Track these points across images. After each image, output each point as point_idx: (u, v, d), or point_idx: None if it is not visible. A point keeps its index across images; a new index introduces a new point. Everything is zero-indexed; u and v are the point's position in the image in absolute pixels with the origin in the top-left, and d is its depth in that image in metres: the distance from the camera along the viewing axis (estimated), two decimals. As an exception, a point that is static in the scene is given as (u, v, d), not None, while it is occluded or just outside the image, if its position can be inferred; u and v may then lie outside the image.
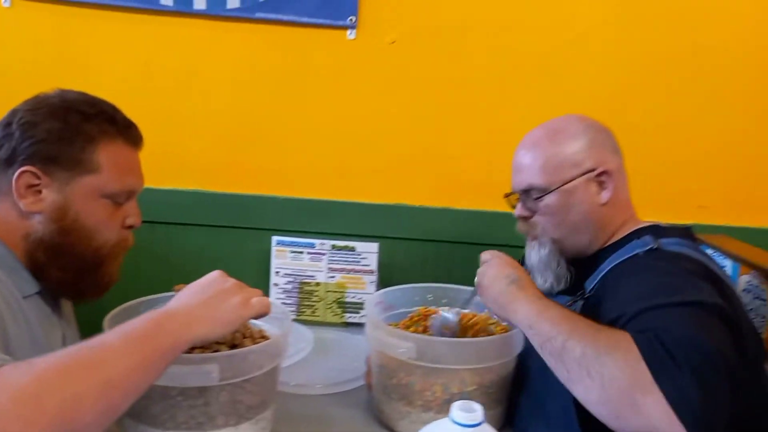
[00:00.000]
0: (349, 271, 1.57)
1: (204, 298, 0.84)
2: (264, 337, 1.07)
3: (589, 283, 1.07)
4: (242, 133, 1.57)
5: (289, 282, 1.57)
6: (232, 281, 0.88)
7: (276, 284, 1.57)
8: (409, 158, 1.60)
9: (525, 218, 1.17)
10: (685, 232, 1.12)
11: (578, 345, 0.82)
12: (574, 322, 0.87)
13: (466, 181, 1.59)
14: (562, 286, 1.15)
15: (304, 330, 1.45)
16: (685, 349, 0.76)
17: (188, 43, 1.53)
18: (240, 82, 1.55)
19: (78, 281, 0.98)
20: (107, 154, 0.96)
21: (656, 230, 1.09)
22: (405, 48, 1.54)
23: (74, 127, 0.94)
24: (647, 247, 1.02)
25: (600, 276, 1.05)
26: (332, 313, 1.58)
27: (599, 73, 1.58)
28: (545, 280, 1.14)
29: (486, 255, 1.07)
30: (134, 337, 0.75)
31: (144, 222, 1.56)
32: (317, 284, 1.57)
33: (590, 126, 1.15)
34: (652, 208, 1.59)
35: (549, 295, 1.14)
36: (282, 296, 1.58)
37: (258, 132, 1.57)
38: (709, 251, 1.52)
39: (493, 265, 1.03)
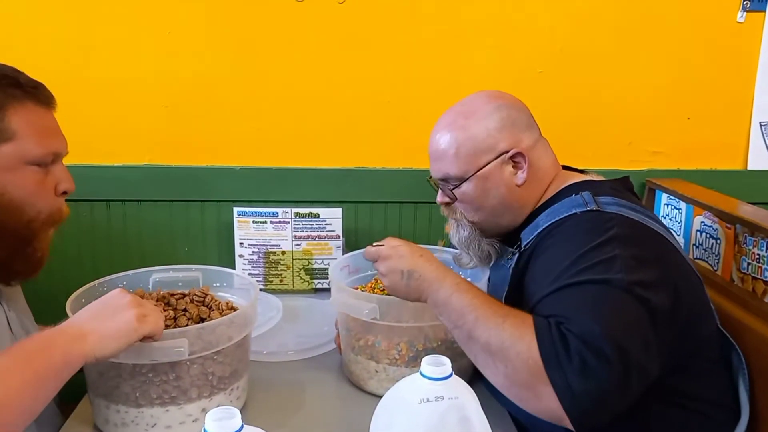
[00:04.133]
0: (314, 238, 1.56)
1: (96, 313, 0.83)
2: (232, 309, 1.07)
3: (526, 235, 1.08)
4: (193, 103, 1.53)
5: (254, 252, 1.56)
6: (129, 297, 0.86)
7: (241, 255, 1.56)
8: (366, 121, 1.58)
9: (446, 203, 1.17)
10: (622, 185, 1.13)
11: (483, 335, 0.89)
12: (478, 310, 0.91)
13: (424, 141, 1.58)
14: (488, 264, 1.17)
15: (273, 299, 1.45)
16: (578, 340, 0.83)
17: (129, 12, 1.47)
18: (187, 51, 1.50)
19: (11, 260, 0.93)
20: (19, 118, 0.90)
21: (593, 187, 1.08)
22: (356, 7, 1.51)
23: None
24: (587, 208, 1.01)
25: (537, 231, 1.06)
26: (301, 281, 1.58)
27: (547, 25, 1.57)
28: (470, 260, 1.16)
29: (369, 256, 1.05)
30: (25, 354, 0.76)
31: (97, 201, 1.56)
32: (283, 253, 1.56)
33: (501, 105, 1.12)
34: (609, 156, 1.64)
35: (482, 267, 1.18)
36: (248, 267, 1.57)
37: (210, 101, 1.53)
38: (665, 196, 1.56)
39: (382, 273, 1.02)
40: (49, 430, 0.99)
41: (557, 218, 1.04)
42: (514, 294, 1.06)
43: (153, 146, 1.54)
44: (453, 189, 1.12)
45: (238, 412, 0.60)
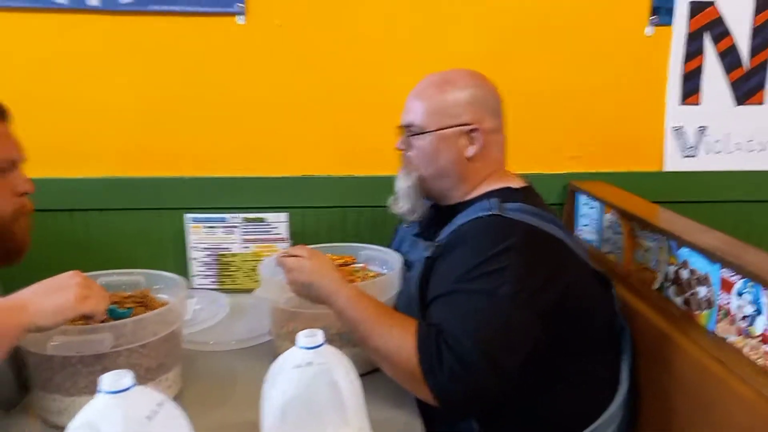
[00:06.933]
0: (262, 241, 1.69)
1: (43, 289, 0.92)
2: (166, 308, 1.17)
3: (443, 232, 1.21)
4: (149, 119, 1.67)
5: (207, 255, 1.69)
6: (78, 279, 0.95)
7: (195, 258, 1.69)
8: (308, 132, 1.72)
9: (402, 151, 1.30)
10: (530, 192, 1.26)
11: (372, 343, 1.08)
12: (367, 322, 1.08)
13: (362, 149, 1.72)
14: (416, 216, 1.31)
15: (221, 297, 1.59)
16: (450, 353, 1.00)
17: (87, 38, 1.61)
18: (140, 71, 1.65)
19: None
20: None
21: (505, 194, 1.21)
22: (293, 28, 1.65)
23: None
24: (489, 212, 1.15)
25: (451, 230, 1.19)
26: (251, 280, 1.70)
27: (470, 45, 1.71)
28: (403, 205, 1.30)
29: (278, 265, 1.19)
30: None
31: (61, 210, 1.69)
32: (234, 255, 1.69)
33: (479, 84, 1.27)
34: (532, 161, 1.77)
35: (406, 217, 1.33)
36: (202, 269, 1.70)
37: (164, 117, 1.67)
38: (583, 196, 1.70)
39: (288, 281, 1.16)
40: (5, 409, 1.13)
41: (466, 219, 1.18)
42: (424, 279, 1.19)
43: (112, 160, 1.68)
44: (412, 136, 1.26)
45: (130, 374, 0.72)
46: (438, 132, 1.23)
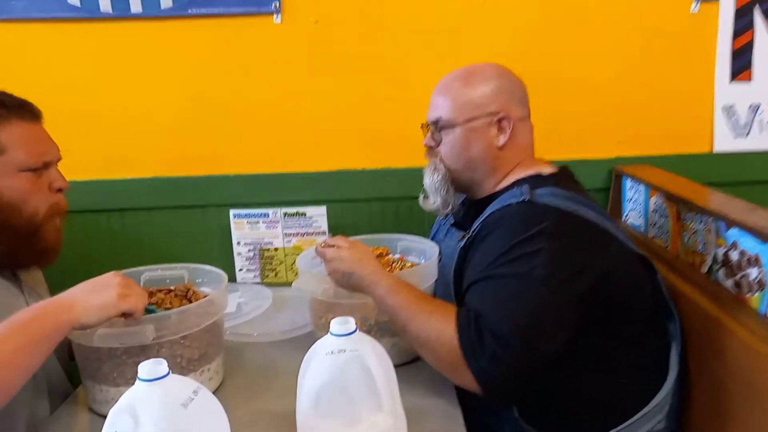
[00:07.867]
0: (303, 234, 1.72)
1: (88, 288, 0.97)
2: (209, 302, 1.20)
3: (475, 223, 1.20)
4: (192, 120, 1.72)
5: (251, 250, 1.73)
6: (118, 279, 1.00)
7: (239, 253, 1.73)
8: (345, 127, 1.73)
9: (431, 147, 1.30)
10: (562, 176, 1.23)
11: (413, 330, 1.08)
12: (407, 309, 1.09)
13: (398, 142, 1.72)
14: (448, 210, 1.30)
15: (264, 290, 1.62)
16: (491, 335, 1.00)
17: (131, 44, 1.67)
18: (183, 74, 1.69)
19: (16, 252, 1.11)
20: (7, 135, 1.06)
21: (535, 180, 1.19)
22: (328, 25, 1.67)
23: None
24: (521, 199, 1.13)
25: (482, 219, 1.18)
26: (293, 273, 1.73)
27: (511, 31, 1.69)
28: (434, 201, 1.30)
29: (317, 255, 1.21)
30: (21, 322, 0.89)
31: (114, 210, 1.75)
32: (276, 249, 1.73)
33: (503, 75, 1.26)
34: (578, 146, 1.74)
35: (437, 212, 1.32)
36: (246, 263, 1.74)
37: (206, 118, 1.72)
38: (629, 180, 1.65)
39: (328, 271, 1.17)
40: (59, 401, 1.18)
41: (496, 207, 1.17)
42: (459, 269, 1.19)
43: (160, 161, 1.74)
44: (441, 130, 1.25)
45: (164, 362, 0.75)
46: (467, 123, 1.23)
